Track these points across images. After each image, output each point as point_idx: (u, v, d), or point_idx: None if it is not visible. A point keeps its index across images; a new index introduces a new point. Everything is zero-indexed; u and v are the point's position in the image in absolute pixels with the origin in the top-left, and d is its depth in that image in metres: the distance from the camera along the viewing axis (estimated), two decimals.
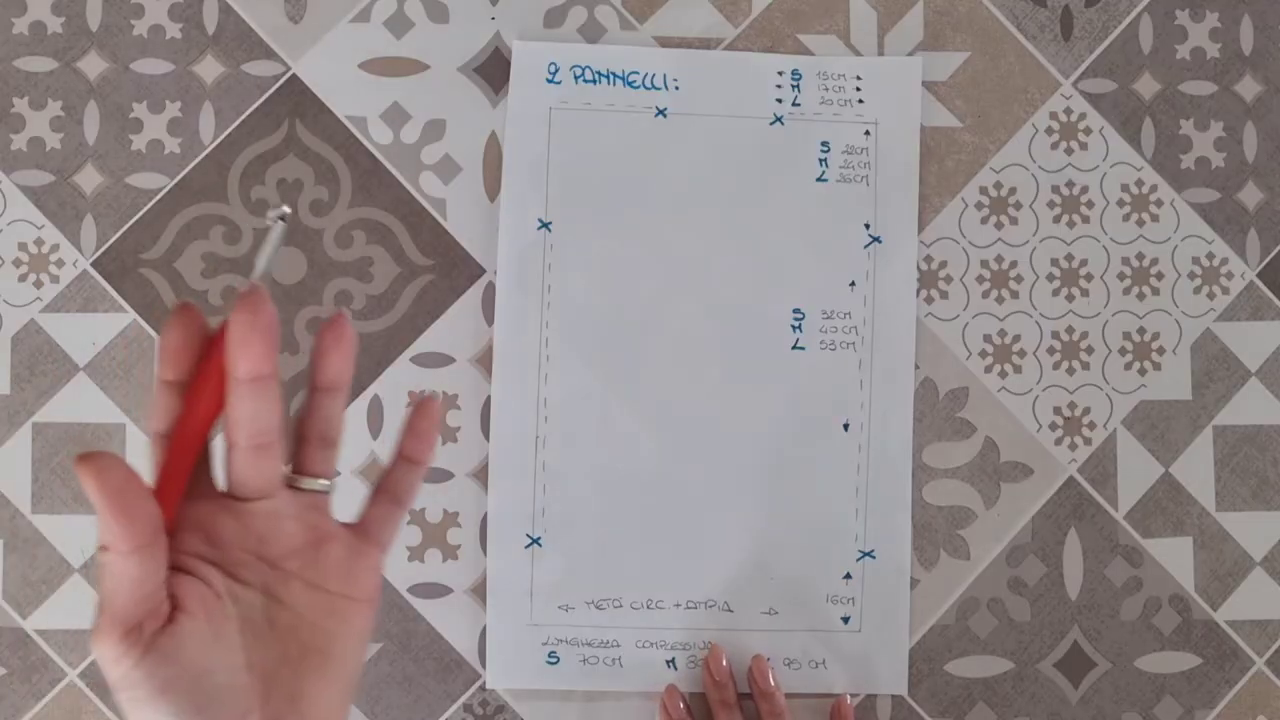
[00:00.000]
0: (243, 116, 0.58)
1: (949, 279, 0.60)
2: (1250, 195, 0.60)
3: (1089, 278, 0.60)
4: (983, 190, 0.60)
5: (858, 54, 0.60)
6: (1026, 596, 0.59)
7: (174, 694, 0.28)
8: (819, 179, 0.59)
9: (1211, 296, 0.60)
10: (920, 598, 0.59)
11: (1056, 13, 0.60)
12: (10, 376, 0.58)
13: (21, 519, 0.58)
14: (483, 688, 0.58)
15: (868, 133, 0.59)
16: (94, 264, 0.58)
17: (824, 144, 0.59)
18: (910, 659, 0.59)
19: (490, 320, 0.58)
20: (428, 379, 0.59)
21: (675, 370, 0.58)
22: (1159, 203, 0.60)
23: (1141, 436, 0.60)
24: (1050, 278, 0.60)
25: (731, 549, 0.58)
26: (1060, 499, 0.59)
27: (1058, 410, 0.59)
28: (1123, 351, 0.60)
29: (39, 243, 0.58)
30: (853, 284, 0.59)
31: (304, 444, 0.33)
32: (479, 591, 0.58)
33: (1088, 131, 0.60)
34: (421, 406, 0.36)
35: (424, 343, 0.59)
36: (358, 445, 0.58)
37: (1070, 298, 0.60)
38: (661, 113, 0.59)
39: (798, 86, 0.59)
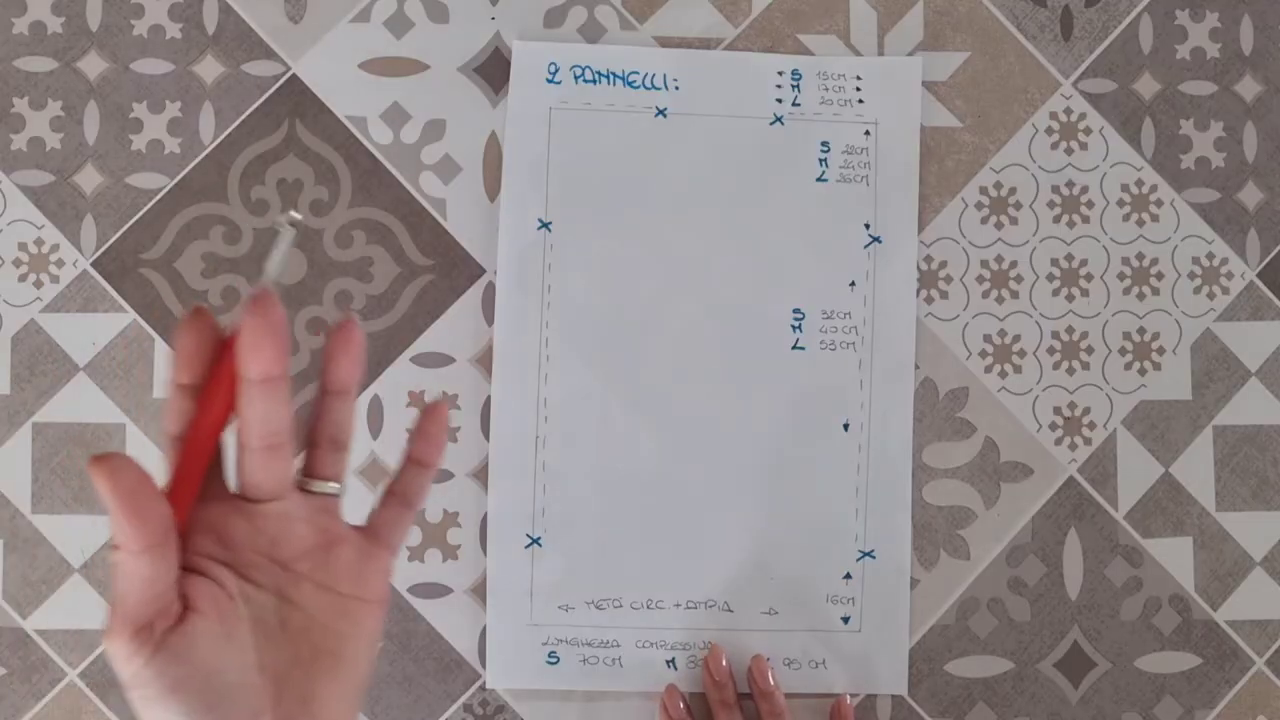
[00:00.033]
0: (243, 116, 0.58)
1: (949, 279, 0.60)
2: (1250, 195, 0.60)
3: (1089, 278, 0.60)
4: (983, 190, 0.60)
5: (858, 54, 0.60)
6: (1026, 596, 0.59)
7: (185, 692, 0.28)
8: (819, 179, 0.59)
9: (1211, 296, 0.60)
10: (920, 598, 0.59)
11: (1056, 13, 0.60)
12: (10, 376, 0.58)
13: (21, 519, 0.58)
14: (483, 688, 0.58)
15: (868, 133, 0.59)
16: (94, 264, 0.58)
17: (824, 144, 0.59)
18: (910, 659, 0.59)
19: (490, 320, 0.58)
20: (428, 379, 0.59)
21: (675, 370, 0.58)
22: (1159, 203, 0.60)
23: (1141, 436, 0.60)
24: (1050, 278, 0.60)
25: (731, 549, 0.58)
26: (1060, 499, 0.59)
27: (1058, 410, 0.59)
28: (1123, 351, 0.60)
29: (39, 243, 0.58)
30: (853, 284, 0.59)
31: (314, 447, 0.33)
32: (479, 591, 0.58)
33: (1088, 131, 0.60)
34: (431, 410, 0.36)
35: (424, 343, 0.59)
36: (358, 445, 0.58)
37: (1070, 298, 0.60)
38: (661, 113, 0.59)
39: (798, 86, 0.59)
